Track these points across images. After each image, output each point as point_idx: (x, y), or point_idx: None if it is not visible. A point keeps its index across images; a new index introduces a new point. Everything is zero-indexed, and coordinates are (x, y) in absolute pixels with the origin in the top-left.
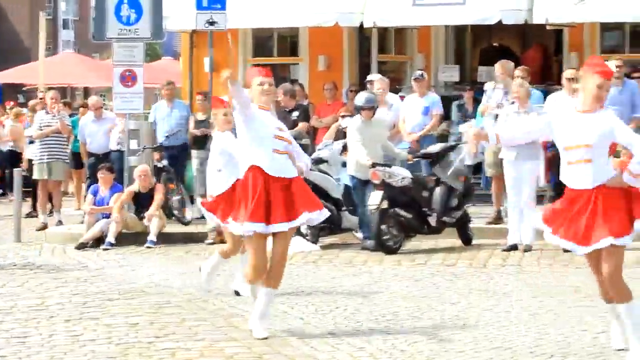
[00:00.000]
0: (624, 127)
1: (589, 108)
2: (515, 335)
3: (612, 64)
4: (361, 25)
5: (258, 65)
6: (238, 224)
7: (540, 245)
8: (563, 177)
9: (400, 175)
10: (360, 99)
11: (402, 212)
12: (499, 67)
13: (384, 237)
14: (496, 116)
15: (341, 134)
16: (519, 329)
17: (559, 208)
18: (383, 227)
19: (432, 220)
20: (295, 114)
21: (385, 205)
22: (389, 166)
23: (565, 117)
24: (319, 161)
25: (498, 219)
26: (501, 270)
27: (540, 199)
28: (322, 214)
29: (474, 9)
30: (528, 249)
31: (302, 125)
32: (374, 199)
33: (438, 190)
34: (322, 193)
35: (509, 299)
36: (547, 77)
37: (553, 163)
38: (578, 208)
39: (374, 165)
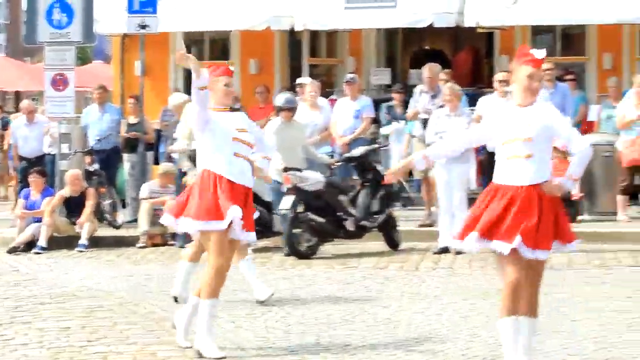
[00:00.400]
0: (564, 120)
1: (524, 102)
2: (447, 338)
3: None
4: (292, 29)
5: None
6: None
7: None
8: (497, 175)
9: (312, 179)
10: (280, 99)
11: (315, 217)
12: (426, 70)
13: (296, 242)
14: (424, 120)
15: None
16: (450, 331)
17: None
18: (295, 231)
19: (349, 225)
20: None
21: (299, 209)
22: (300, 170)
23: (503, 112)
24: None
25: (429, 221)
26: (433, 273)
27: (472, 202)
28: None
29: (405, 12)
30: (460, 251)
31: None
32: (285, 204)
33: (359, 194)
34: (253, 196)
35: (441, 301)
36: (478, 80)
37: (484, 166)
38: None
39: (285, 169)
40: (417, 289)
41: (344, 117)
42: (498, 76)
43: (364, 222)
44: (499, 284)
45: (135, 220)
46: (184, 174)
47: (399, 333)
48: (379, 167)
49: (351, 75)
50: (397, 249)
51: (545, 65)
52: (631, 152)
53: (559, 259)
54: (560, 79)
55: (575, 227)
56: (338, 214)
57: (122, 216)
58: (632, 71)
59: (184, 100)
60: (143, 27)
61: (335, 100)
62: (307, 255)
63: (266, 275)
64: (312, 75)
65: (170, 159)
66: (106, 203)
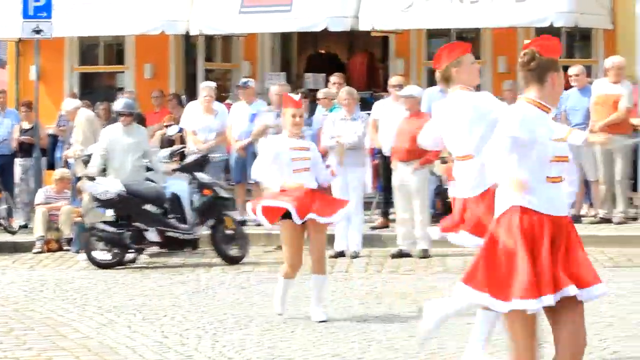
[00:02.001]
0: None
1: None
2: (344, 342)
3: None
4: (187, 33)
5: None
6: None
7: (368, 252)
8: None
9: (105, 189)
10: (119, 104)
11: (106, 227)
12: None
13: (93, 251)
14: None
15: (166, 142)
16: (347, 335)
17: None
18: (92, 239)
19: (152, 236)
20: None
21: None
22: (94, 179)
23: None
24: (146, 169)
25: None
26: (329, 277)
27: (367, 205)
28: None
29: (300, 16)
30: (355, 255)
31: None
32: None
33: (171, 205)
34: (150, 201)
35: (337, 305)
36: (373, 84)
37: (379, 170)
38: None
39: (79, 178)
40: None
41: (239, 121)
42: (393, 80)
43: (172, 233)
44: (394, 287)
45: (26, 226)
46: (79, 179)
47: (296, 337)
48: (201, 175)
49: (245, 80)
50: (235, 262)
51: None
52: None
53: (455, 262)
54: None
55: None
56: (135, 224)
57: (17, 221)
58: None
59: (76, 106)
60: (38, 32)
61: (231, 104)
62: (108, 265)
63: (161, 280)
64: (207, 80)
65: (66, 164)
66: (1, 208)
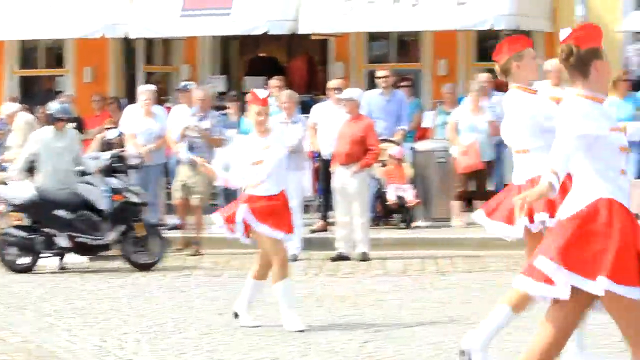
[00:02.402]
0: None
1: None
2: (283, 345)
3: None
4: (127, 37)
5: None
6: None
7: (307, 255)
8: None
9: (16, 194)
10: (53, 108)
11: (17, 232)
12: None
13: (8, 256)
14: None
15: (106, 146)
16: (286, 339)
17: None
18: (5, 244)
19: (62, 241)
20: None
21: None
22: (5, 183)
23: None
24: (84, 173)
25: None
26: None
27: (307, 208)
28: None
29: (240, 20)
30: (294, 258)
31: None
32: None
33: (81, 211)
34: (88, 205)
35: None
36: (313, 87)
37: (319, 173)
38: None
39: None
40: None
41: (179, 124)
42: (332, 83)
43: (82, 239)
44: (333, 290)
45: None
46: None
47: (235, 340)
48: (111, 181)
49: (184, 83)
50: (147, 269)
51: (380, 73)
52: (466, 158)
53: (395, 265)
54: (396, 85)
55: (410, 234)
56: (45, 229)
57: None
58: (467, 77)
59: (15, 110)
60: None
61: (171, 107)
62: (23, 270)
63: (101, 284)
64: (147, 83)
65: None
66: None
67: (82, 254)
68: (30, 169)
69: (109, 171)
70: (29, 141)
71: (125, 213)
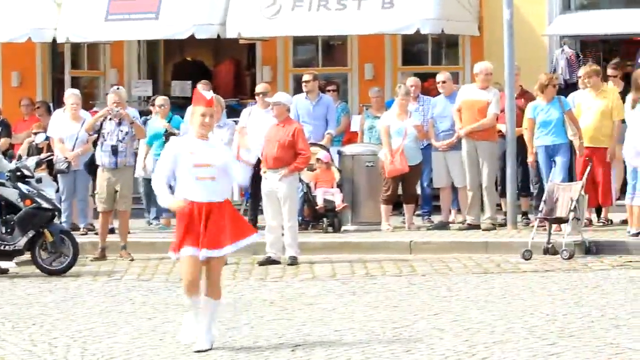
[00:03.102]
0: None
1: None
2: (212, 349)
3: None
4: (54, 41)
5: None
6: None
7: (236, 259)
8: None
9: None
10: None
11: None
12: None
13: None
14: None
15: (35, 150)
16: (215, 343)
17: None
18: None
19: None
20: None
21: None
22: None
23: None
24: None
25: None
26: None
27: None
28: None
29: (166, 24)
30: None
31: (4, 141)
32: None
33: None
34: (13, 208)
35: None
36: (240, 91)
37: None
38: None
39: None
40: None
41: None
42: (258, 87)
43: None
44: (261, 294)
45: None
46: None
47: (163, 345)
48: (23, 186)
49: (116, 87)
50: (57, 275)
51: (304, 77)
52: (393, 162)
53: (324, 269)
54: (322, 89)
55: (339, 238)
56: None
57: None
58: (394, 81)
59: None
60: None
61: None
62: None
63: (29, 289)
64: (74, 87)
65: None
66: None
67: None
68: None
69: (17, 177)
70: None
71: (34, 219)
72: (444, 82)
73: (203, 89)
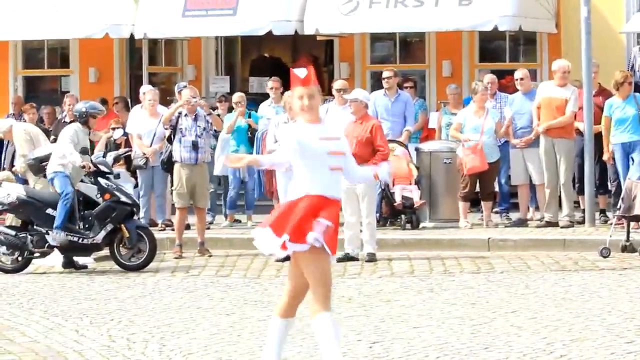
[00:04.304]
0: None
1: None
2: (291, 345)
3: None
4: (132, 37)
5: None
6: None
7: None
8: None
9: (6, 193)
10: (80, 107)
11: (7, 231)
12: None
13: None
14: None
15: (113, 146)
16: (294, 339)
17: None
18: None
19: (51, 239)
20: None
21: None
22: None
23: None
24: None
25: None
26: (276, 281)
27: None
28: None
29: (244, 20)
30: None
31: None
32: None
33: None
34: (52, 205)
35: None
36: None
37: None
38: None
39: None
40: (260, 297)
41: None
42: (336, 84)
43: (73, 237)
44: (342, 292)
45: None
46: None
47: (242, 341)
48: (103, 180)
49: (183, 84)
50: (136, 270)
51: (386, 74)
52: (472, 160)
53: (402, 266)
54: (400, 86)
55: (417, 235)
56: (37, 228)
57: None
58: (471, 78)
59: (9, 126)
60: None
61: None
62: (15, 270)
63: (107, 284)
64: (151, 84)
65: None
66: None
67: (73, 254)
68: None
69: (96, 172)
70: (66, 138)
71: (113, 212)
72: (521, 79)
73: (273, 85)
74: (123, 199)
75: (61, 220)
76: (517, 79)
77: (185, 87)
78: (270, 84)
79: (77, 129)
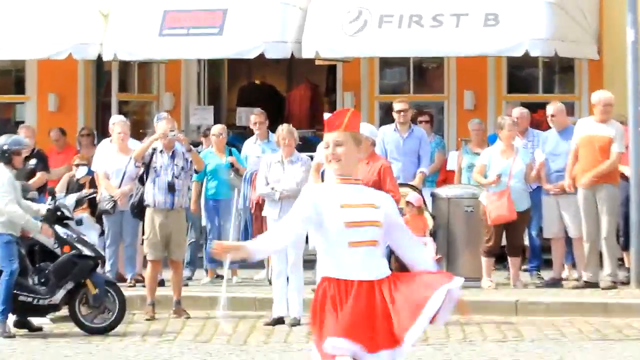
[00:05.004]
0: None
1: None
2: None
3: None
4: (99, 58)
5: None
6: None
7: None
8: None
9: None
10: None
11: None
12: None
13: None
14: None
15: (75, 186)
16: None
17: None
18: None
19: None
20: (33, 161)
21: None
22: None
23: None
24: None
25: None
26: (264, 348)
27: (310, 263)
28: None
29: (231, 41)
30: (295, 322)
31: (40, 176)
32: None
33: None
34: (49, 254)
35: None
36: (317, 121)
37: None
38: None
39: None
40: None
41: None
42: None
43: (25, 297)
44: None
45: None
46: None
47: None
48: (61, 229)
49: (162, 114)
50: (101, 333)
51: (398, 106)
52: (497, 208)
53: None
54: (414, 120)
55: None
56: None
57: None
58: (497, 112)
59: None
60: None
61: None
62: None
63: (65, 349)
64: (122, 114)
65: None
66: None
67: (26, 316)
68: None
69: (55, 218)
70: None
71: (74, 268)
72: (553, 115)
73: (257, 119)
74: (85, 251)
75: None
76: (548, 116)
77: (164, 117)
78: (254, 118)
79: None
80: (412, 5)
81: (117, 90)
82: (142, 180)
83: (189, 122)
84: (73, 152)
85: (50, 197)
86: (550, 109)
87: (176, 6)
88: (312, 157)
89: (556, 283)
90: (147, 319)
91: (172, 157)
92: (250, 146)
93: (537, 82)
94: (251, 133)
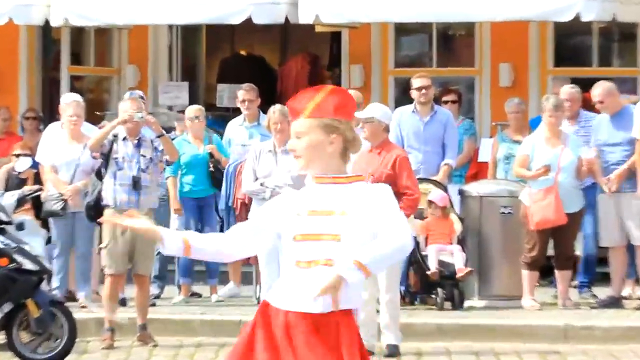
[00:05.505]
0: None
1: None
2: None
3: None
4: (47, 24)
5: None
6: None
7: None
8: None
9: None
10: None
11: None
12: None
13: None
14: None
15: (15, 182)
16: None
17: None
18: None
19: None
20: None
21: None
22: None
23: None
24: None
25: None
26: None
27: None
28: None
29: (211, 3)
30: None
31: None
32: None
33: None
34: None
35: None
36: None
37: None
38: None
39: None
40: None
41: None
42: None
43: None
44: None
45: None
46: None
47: None
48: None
49: (133, 92)
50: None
51: (418, 82)
52: (542, 209)
53: None
54: (437, 100)
55: (461, 318)
56: None
57: None
58: (542, 90)
59: None
60: None
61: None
62: None
63: None
64: (74, 91)
65: None
66: None
67: None
68: None
69: None
70: None
71: (12, 285)
72: (601, 102)
73: (246, 96)
74: (26, 264)
75: None
76: (595, 101)
77: (140, 97)
78: (241, 95)
79: None
80: None
81: (69, 63)
82: (99, 175)
83: (158, 102)
84: (14, 139)
85: None
86: (596, 93)
87: None
88: None
89: (615, 303)
90: (105, 348)
91: (138, 145)
92: (235, 129)
93: (590, 53)
94: (235, 116)
